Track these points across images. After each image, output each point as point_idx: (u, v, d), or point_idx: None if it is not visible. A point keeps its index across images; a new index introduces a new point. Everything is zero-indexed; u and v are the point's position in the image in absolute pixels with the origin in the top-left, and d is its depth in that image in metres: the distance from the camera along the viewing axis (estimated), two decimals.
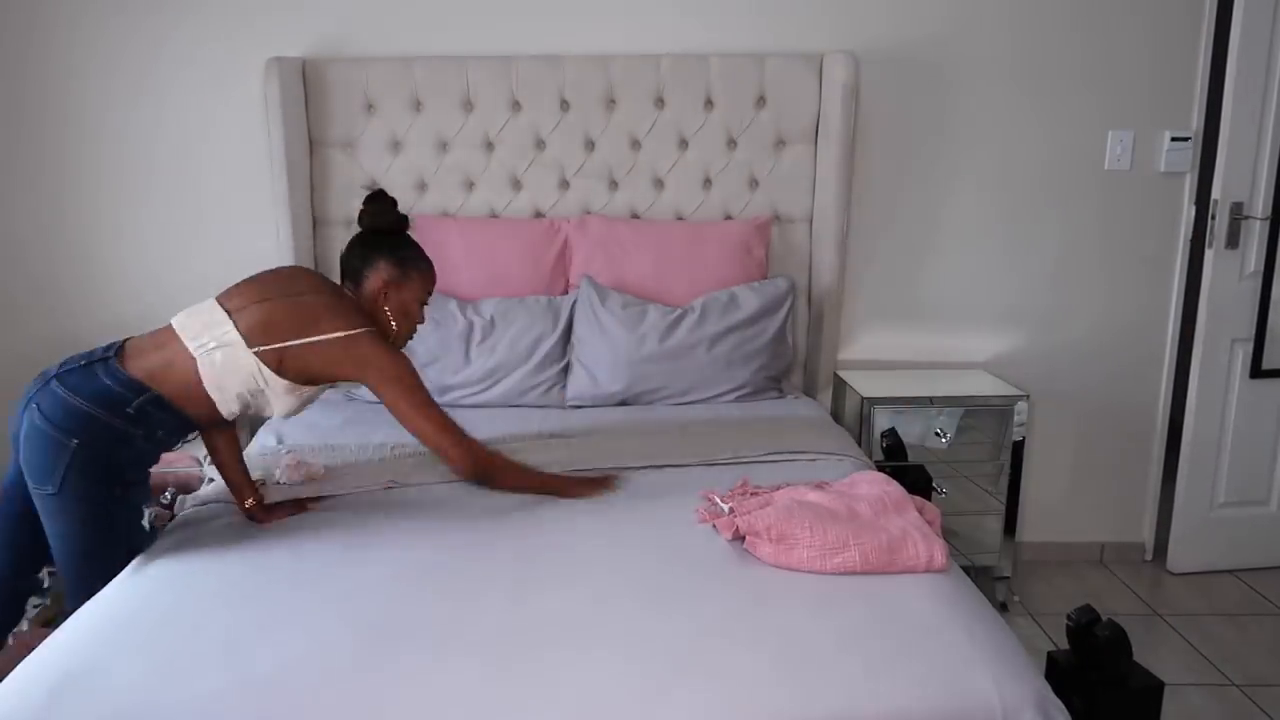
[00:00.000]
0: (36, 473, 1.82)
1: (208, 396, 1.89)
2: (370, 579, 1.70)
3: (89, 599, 1.68)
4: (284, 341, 1.89)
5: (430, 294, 2.10)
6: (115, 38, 2.84)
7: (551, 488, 2.07)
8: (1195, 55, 2.98)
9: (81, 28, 2.84)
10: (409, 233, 2.10)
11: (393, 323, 2.03)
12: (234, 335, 1.87)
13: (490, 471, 2.05)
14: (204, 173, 2.93)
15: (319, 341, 1.90)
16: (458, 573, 1.73)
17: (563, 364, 2.73)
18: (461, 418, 2.51)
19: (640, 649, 1.48)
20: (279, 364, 1.89)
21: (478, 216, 2.92)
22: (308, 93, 2.81)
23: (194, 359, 1.87)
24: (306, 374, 1.93)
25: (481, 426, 2.47)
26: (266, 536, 1.89)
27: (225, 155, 2.92)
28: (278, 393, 1.92)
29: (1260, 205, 2.93)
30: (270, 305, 1.92)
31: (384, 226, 2.06)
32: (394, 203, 2.08)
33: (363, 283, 2.03)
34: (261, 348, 1.87)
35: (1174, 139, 3.00)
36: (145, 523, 1.92)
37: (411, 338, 2.12)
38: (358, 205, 2.84)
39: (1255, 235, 2.96)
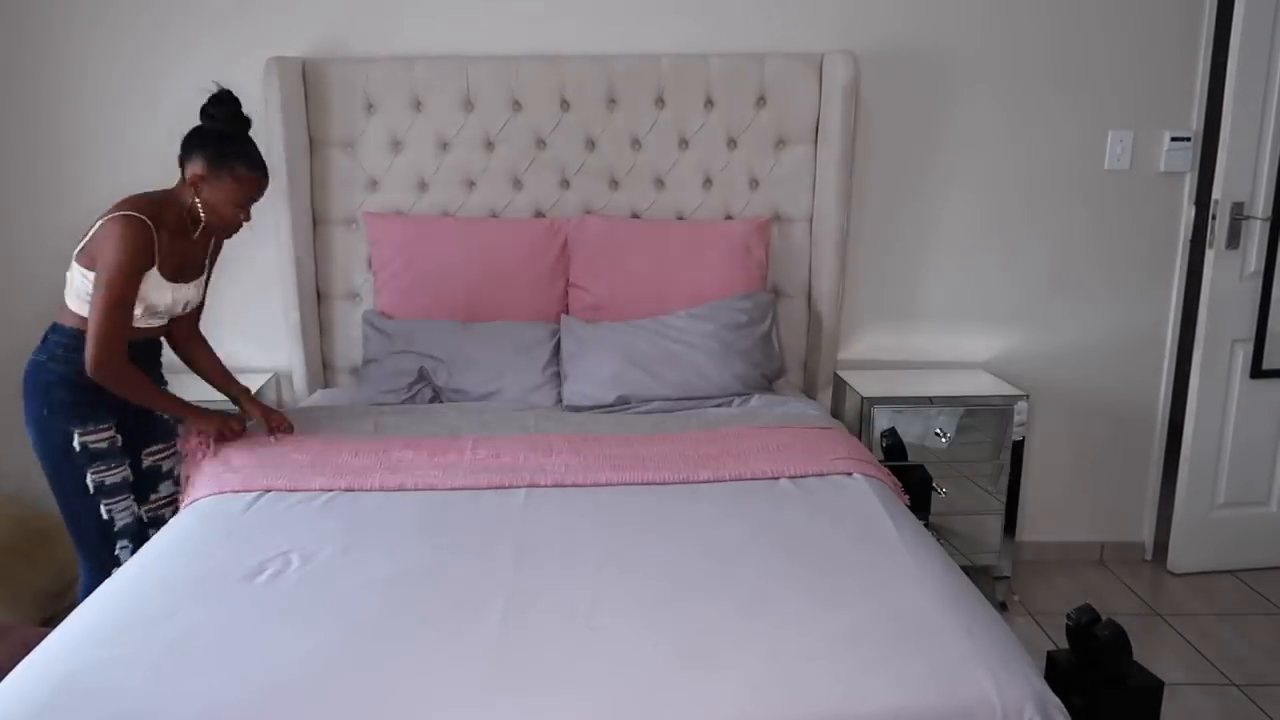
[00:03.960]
0: None
1: (75, 312, 2.09)
2: (369, 580, 1.70)
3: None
4: (85, 238, 2.06)
5: (251, 201, 2.18)
6: (114, 37, 2.84)
7: (171, 410, 2.23)
8: (1195, 55, 2.98)
9: (80, 27, 2.84)
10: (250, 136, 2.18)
11: (202, 214, 2.13)
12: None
13: (111, 381, 2.07)
14: None
15: (95, 227, 2.05)
16: (456, 573, 1.73)
17: (558, 367, 2.72)
18: (461, 419, 2.54)
19: (639, 649, 1.48)
20: (89, 262, 2.05)
21: (478, 216, 2.92)
22: (308, 93, 2.81)
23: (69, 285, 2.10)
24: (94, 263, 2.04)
25: (480, 427, 2.48)
26: (266, 536, 1.89)
27: None
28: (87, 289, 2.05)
29: (1260, 205, 2.93)
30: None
31: (222, 130, 2.13)
32: (238, 105, 2.17)
33: (182, 173, 2.15)
34: (77, 251, 2.08)
35: (1174, 139, 3.00)
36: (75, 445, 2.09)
37: (229, 235, 2.24)
38: (358, 205, 2.90)
39: (1255, 235, 2.96)
